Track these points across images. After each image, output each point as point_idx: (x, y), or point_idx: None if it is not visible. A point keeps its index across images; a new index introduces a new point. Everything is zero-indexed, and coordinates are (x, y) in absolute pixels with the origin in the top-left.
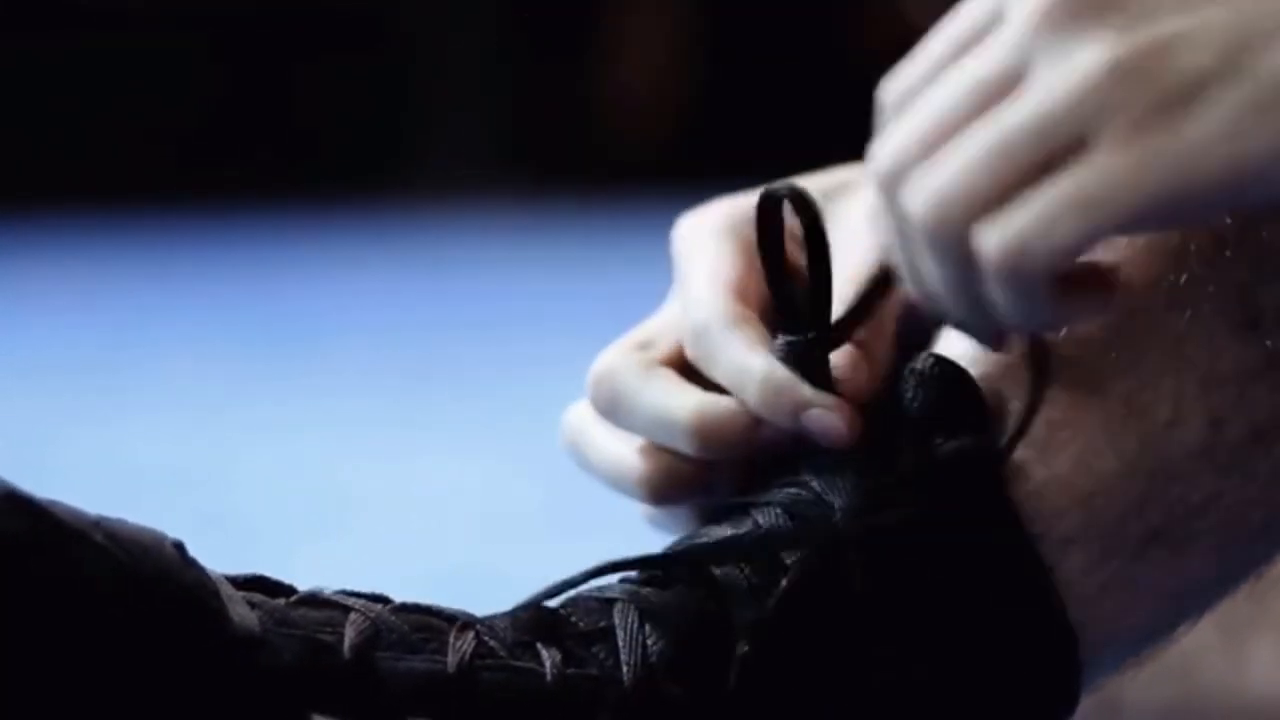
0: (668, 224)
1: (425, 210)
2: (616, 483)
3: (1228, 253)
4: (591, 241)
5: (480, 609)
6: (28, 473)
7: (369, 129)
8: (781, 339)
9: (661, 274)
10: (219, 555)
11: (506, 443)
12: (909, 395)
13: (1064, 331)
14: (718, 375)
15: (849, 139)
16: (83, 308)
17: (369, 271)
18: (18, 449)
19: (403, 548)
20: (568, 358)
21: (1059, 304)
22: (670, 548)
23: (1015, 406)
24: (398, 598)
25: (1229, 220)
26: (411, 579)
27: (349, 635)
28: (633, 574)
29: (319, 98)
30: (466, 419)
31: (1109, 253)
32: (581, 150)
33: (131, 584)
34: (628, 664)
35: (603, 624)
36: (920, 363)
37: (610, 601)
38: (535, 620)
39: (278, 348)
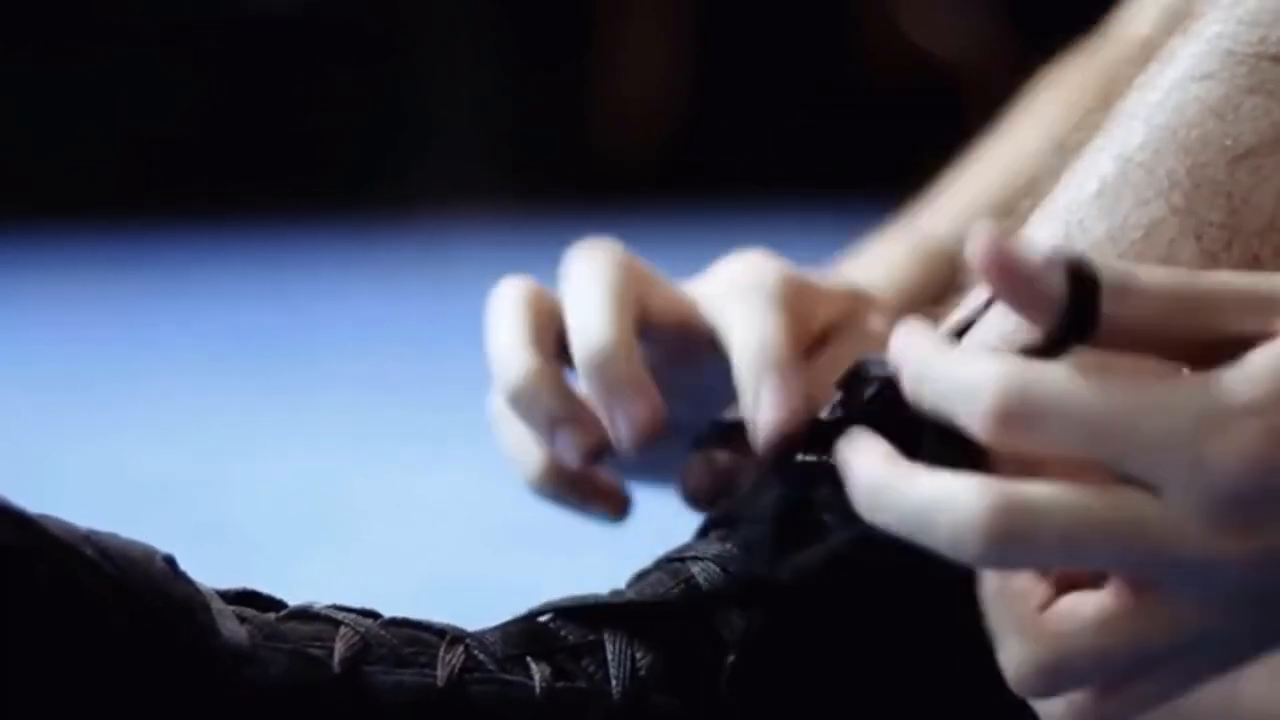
0: (664, 233)
1: (422, 220)
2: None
3: (1217, 266)
4: None
5: (479, 622)
6: (27, 486)
7: (364, 139)
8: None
9: None
10: (217, 567)
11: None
12: (887, 399)
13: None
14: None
15: (845, 150)
16: (81, 320)
17: (366, 282)
18: (17, 462)
19: (400, 559)
20: None
21: None
22: (647, 570)
23: None
24: (396, 610)
25: (1224, 239)
26: (409, 590)
27: (338, 649)
28: (622, 587)
29: (315, 109)
30: (465, 430)
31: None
32: (578, 160)
33: (122, 597)
34: (617, 677)
35: (592, 637)
36: (893, 370)
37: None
38: (525, 634)
39: (275, 359)
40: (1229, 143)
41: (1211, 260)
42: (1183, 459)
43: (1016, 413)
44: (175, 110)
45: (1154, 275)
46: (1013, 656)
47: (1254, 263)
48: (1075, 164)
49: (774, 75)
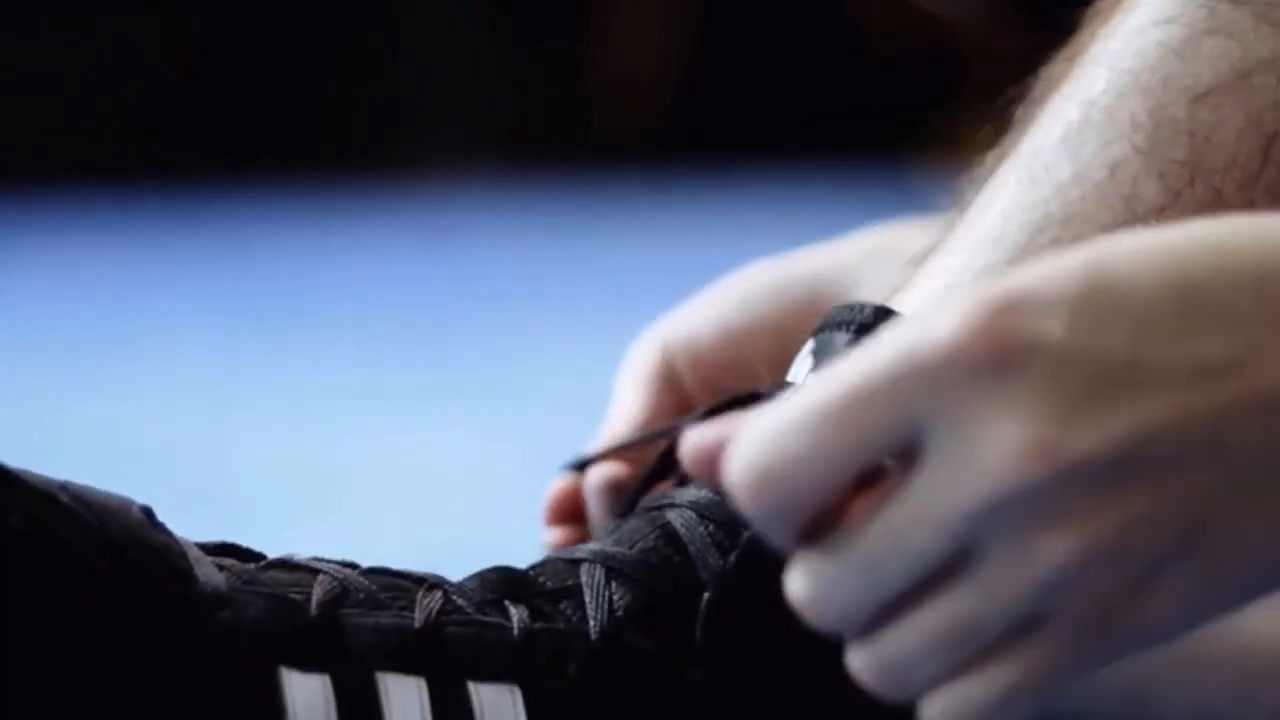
0: (661, 200)
1: (420, 187)
2: None
3: (1180, 203)
4: (585, 217)
5: None
6: (21, 450)
7: (364, 106)
8: None
9: (653, 250)
10: (213, 530)
11: (502, 418)
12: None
13: None
14: None
15: (842, 119)
16: (76, 284)
17: (364, 248)
18: (11, 426)
19: (396, 523)
20: (562, 332)
21: None
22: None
23: None
24: None
25: (1186, 176)
26: (405, 554)
27: (316, 593)
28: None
29: (315, 75)
30: (462, 394)
31: (1057, 198)
32: (575, 127)
33: (98, 544)
34: (594, 619)
35: (570, 582)
36: (869, 317)
37: (577, 562)
38: (503, 580)
39: (273, 323)
40: (1189, 82)
41: (1175, 197)
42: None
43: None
44: (178, 74)
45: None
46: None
47: (1216, 198)
48: (1041, 113)
49: (772, 40)
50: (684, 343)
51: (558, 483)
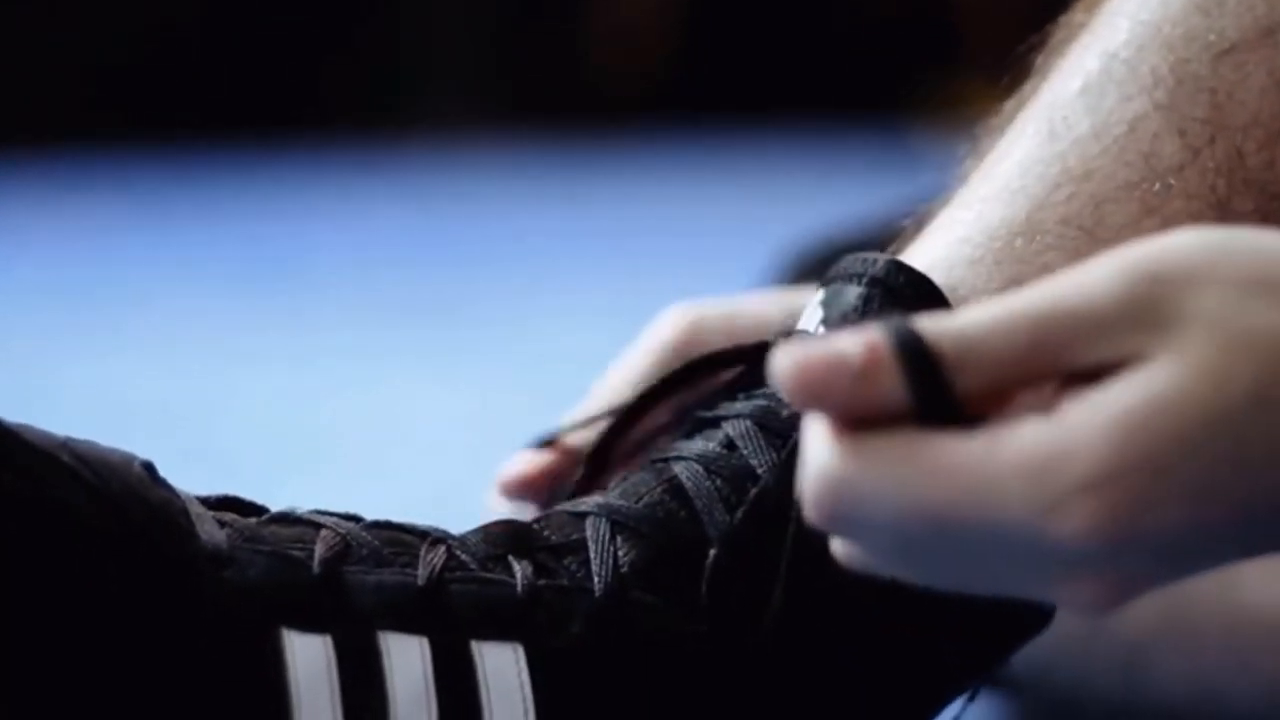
0: (656, 159)
1: (414, 145)
2: None
3: (1200, 161)
4: (580, 176)
5: None
6: (18, 408)
7: (359, 65)
8: None
9: (649, 208)
10: (206, 489)
11: (494, 375)
12: (874, 304)
13: (1034, 235)
14: None
15: (839, 78)
16: (71, 244)
17: (358, 206)
18: (8, 385)
19: (390, 480)
20: (556, 290)
21: None
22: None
23: None
24: None
25: (1207, 134)
26: (397, 511)
27: (318, 550)
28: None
29: (312, 37)
30: (455, 352)
31: (1075, 153)
32: (571, 86)
33: (98, 503)
34: (599, 574)
35: (575, 536)
36: (881, 271)
37: (582, 515)
38: (507, 534)
39: (266, 283)
40: (1213, 38)
41: (1195, 155)
42: (1021, 551)
43: (829, 517)
44: (178, 36)
45: (992, 332)
46: None
47: (1237, 158)
48: (1061, 62)
49: (766, 1)
50: (723, 315)
51: (521, 460)
